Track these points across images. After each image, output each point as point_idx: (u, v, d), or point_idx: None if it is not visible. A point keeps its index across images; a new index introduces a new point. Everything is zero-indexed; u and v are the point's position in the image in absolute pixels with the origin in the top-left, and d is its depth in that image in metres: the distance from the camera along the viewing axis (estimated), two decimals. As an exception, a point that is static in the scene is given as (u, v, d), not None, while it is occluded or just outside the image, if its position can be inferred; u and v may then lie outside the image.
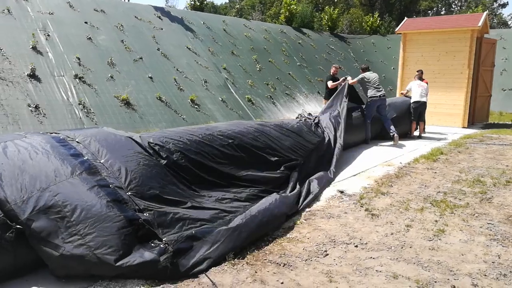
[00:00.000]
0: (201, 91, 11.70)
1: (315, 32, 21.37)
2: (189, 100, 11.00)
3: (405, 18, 13.85)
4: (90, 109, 8.87)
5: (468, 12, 30.23)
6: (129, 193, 3.48)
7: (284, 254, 3.60)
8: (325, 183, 5.70)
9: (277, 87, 14.42)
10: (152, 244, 3.17)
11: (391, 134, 8.75)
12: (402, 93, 10.66)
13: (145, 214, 3.35)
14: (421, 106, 9.89)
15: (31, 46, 9.44)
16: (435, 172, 6.52)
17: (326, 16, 23.18)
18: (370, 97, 8.78)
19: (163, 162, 4.21)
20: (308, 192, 5.20)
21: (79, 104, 8.84)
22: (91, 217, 3.05)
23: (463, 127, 12.14)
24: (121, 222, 3.13)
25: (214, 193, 4.43)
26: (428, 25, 13.04)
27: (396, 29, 13.45)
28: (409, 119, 10.04)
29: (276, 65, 15.70)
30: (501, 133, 10.97)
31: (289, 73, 15.77)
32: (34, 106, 8.21)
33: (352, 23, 31.90)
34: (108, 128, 4.51)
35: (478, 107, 13.16)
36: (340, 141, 7.29)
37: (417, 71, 10.58)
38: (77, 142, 3.86)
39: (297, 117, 8.87)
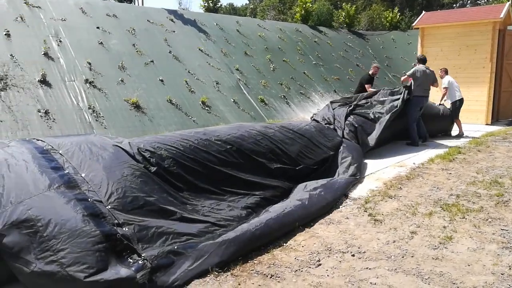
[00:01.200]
0: (213, 92, 11.60)
1: (332, 30, 20.97)
2: (200, 102, 10.91)
3: (423, 12, 13.34)
4: (99, 113, 8.90)
5: (494, 3, 29.04)
6: (109, 206, 3.34)
7: (273, 264, 3.39)
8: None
9: (291, 87, 14.16)
10: (130, 260, 3.01)
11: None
12: (442, 102, 9.94)
13: (124, 228, 3.19)
14: (462, 103, 9.55)
15: (43, 53, 9.56)
16: (450, 173, 6.15)
17: (344, 13, 22.71)
18: (415, 96, 8.07)
19: (153, 169, 4.07)
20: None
21: (88, 108, 8.87)
22: (65, 232, 2.93)
23: (487, 124, 11.56)
24: (96, 237, 2.99)
25: (208, 201, 4.24)
26: (447, 19, 12.50)
27: (414, 24, 12.97)
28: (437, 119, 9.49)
29: (290, 65, 15.44)
30: (527, 129, 10.37)
31: (304, 72, 15.48)
32: (44, 111, 8.29)
33: (374, 20, 31.17)
34: (96, 135, 4.42)
35: (502, 103, 12.51)
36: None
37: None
38: (60, 154, 3.77)
39: (311, 117, 8.56)
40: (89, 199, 3.30)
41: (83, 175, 3.59)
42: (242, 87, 12.62)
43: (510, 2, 12.38)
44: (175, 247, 3.22)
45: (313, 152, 5.93)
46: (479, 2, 46.44)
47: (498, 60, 11.76)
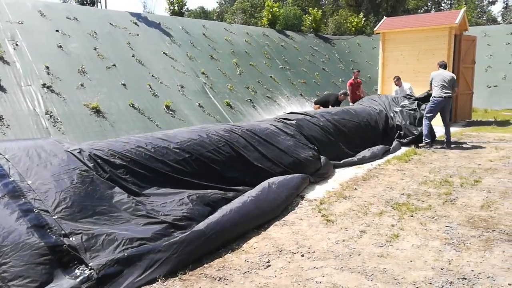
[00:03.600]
0: (177, 96, 11.51)
1: (299, 34, 21.25)
2: (164, 106, 10.80)
3: (384, 18, 13.74)
4: (57, 119, 8.66)
5: (454, 9, 30.17)
6: (56, 216, 3.26)
7: (223, 267, 3.40)
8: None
9: (257, 91, 14.25)
10: (77, 271, 2.94)
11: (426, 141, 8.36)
12: None
13: (71, 238, 3.11)
14: None
15: (-3, 56, 9.23)
16: (404, 173, 6.35)
17: (310, 18, 23.06)
18: (433, 96, 8.37)
19: (105, 175, 3.98)
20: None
21: (45, 113, 8.62)
22: (7, 245, 2.88)
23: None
24: (41, 249, 2.93)
25: (167, 200, 4.17)
26: (406, 24, 12.93)
27: (375, 29, 13.34)
28: None
29: (257, 68, 15.54)
30: (481, 130, 10.84)
31: (271, 76, 15.61)
32: (-3, 117, 8.00)
33: (341, 24, 31.81)
34: (47, 139, 4.30)
35: (460, 105, 13.03)
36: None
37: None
38: (6, 159, 3.66)
39: (274, 119, 8.36)
40: (34, 210, 3.22)
41: (29, 182, 3.49)
42: (207, 91, 12.59)
43: (465, 9, 12.91)
44: (125, 254, 3.14)
45: (280, 158, 5.68)
46: (442, 8, 48.20)
47: (454, 64, 12.25)
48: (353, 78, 11.97)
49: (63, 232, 3.15)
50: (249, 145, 5.54)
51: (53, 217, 3.24)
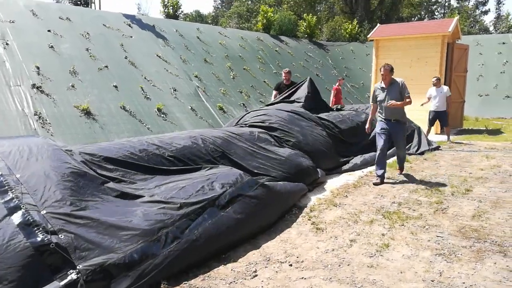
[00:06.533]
0: (170, 99, 11.42)
1: (293, 39, 21.27)
2: (156, 109, 10.70)
3: (378, 25, 13.80)
4: (46, 120, 8.52)
5: (448, 16, 30.41)
6: (45, 211, 3.09)
7: (208, 276, 3.31)
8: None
9: (251, 95, 14.20)
10: (64, 273, 2.78)
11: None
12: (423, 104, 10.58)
13: (60, 236, 2.96)
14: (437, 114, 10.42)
15: (-14, 55, 9.08)
16: (395, 181, 6.30)
17: (305, 24, 23.12)
18: None
19: (98, 171, 3.91)
20: None
21: (34, 114, 8.48)
22: None
23: (436, 134, 12.02)
24: (26, 250, 2.79)
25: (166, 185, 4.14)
26: (400, 31, 12.98)
27: (369, 36, 13.37)
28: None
29: (251, 73, 15.50)
30: (472, 139, 10.86)
31: (264, 81, 15.57)
32: (-16, 117, 7.85)
33: (336, 31, 31.94)
34: (39, 137, 4.21)
35: (451, 113, 13.01)
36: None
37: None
38: None
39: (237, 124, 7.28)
40: (21, 206, 3.06)
41: (18, 176, 3.36)
42: (200, 95, 12.50)
43: (458, 17, 13.01)
44: (115, 261, 3.01)
45: (282, 166, 5.59)
46: (435, 16, 48.67)
47: (447, 72, 12.30)
48: (338, 84, 13.74)
49: (51, 228, 2.99)
50: (248, 155, 5.47)
51: (42, 212, 3.07)
